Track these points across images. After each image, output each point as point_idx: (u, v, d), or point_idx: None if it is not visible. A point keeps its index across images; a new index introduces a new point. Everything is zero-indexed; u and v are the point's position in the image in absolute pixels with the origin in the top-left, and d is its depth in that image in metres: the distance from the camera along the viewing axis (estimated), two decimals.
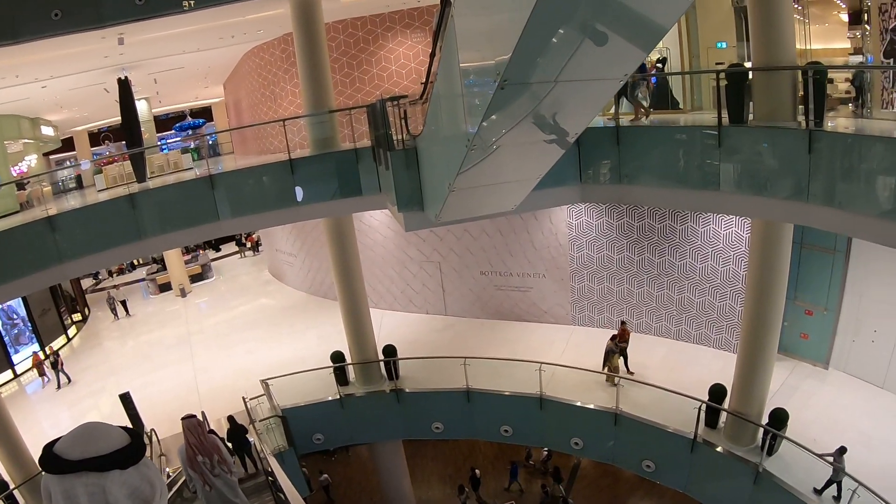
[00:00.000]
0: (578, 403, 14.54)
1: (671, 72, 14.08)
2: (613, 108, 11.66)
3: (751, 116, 9.73)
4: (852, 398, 13.96)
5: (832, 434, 11.41)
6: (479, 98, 6.17)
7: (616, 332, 15.86)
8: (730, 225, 15.59)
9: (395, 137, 10.55)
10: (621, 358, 15.62)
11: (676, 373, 15.44)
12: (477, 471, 20.94)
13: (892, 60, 10.36)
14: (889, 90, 11.10)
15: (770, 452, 11.95)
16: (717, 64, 13.42)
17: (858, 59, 11.86)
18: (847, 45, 12.40)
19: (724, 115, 9.61)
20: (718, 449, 12.58)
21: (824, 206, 8.43)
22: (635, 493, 20.25)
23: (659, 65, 14.20)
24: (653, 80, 14.09)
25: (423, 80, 10.48)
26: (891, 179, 7.66)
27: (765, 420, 12.18)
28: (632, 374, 15.65)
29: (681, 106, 13.94)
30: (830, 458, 10.90)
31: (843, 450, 10.87)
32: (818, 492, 11.08)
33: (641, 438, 13.73)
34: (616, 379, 14.87)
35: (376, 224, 21.37)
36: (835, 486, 10.92)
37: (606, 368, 15.31)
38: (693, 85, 14.00)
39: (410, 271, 21.58)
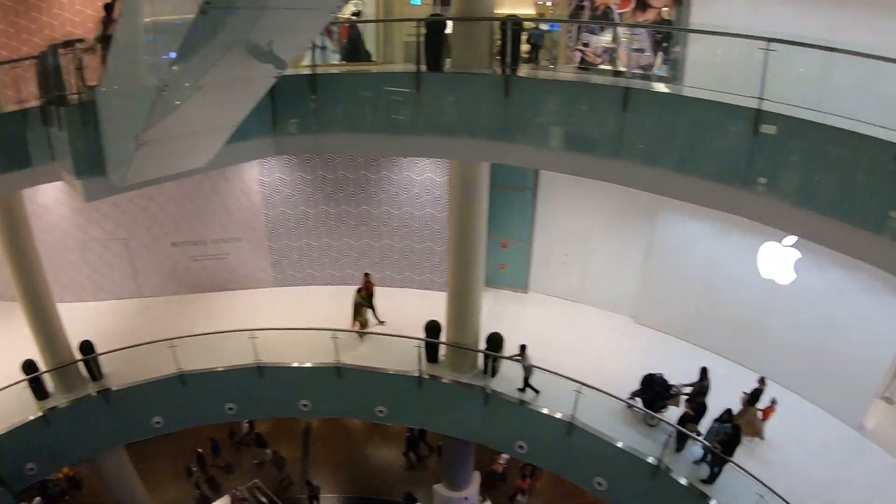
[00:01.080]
0: (295, 364, 14.21)
1: (371, 19, 14.14)
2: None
3: (447, 66, 10.21)
4: (554, 314, 16.27)
5: (541, 347, 13.11)
6: (176, 28, 5.33)
7: (360, 286, 15.77)
8: (424, 171, 16.34)
9: (69, 91, 8.84)
10: (370, 310, 15.66)
11: (388, 318, 15.85)
12: (199, 450, 19.83)
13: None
14: (571, 48, 13.42)
15: (493, 374, 13.20)
16: None
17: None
18: (532, 11, 14.03)
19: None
20: (444, 380, 13.40)
21: (521, 144, 9.37)
22: (370, 442, 20.97)
23: (353, 17, 14.14)
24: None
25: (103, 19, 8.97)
26: (577, 115, 8.89)
27: (482, 346, 13.29)
28: (382, 323, 15.76)
29: (374, 59, 14.06)
30: (519, 359, 12.67)
31: (523, 347, 12.71)
32: (521, 390, 12.84)
33: (368, 387, 14.00)
34: (363, 333, 15.13)
35: (49, 202, 17.91)
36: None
37: (357, 324, 15.24)
38: (386, 39, 14.20)
39: (94, 253, 18.64)
